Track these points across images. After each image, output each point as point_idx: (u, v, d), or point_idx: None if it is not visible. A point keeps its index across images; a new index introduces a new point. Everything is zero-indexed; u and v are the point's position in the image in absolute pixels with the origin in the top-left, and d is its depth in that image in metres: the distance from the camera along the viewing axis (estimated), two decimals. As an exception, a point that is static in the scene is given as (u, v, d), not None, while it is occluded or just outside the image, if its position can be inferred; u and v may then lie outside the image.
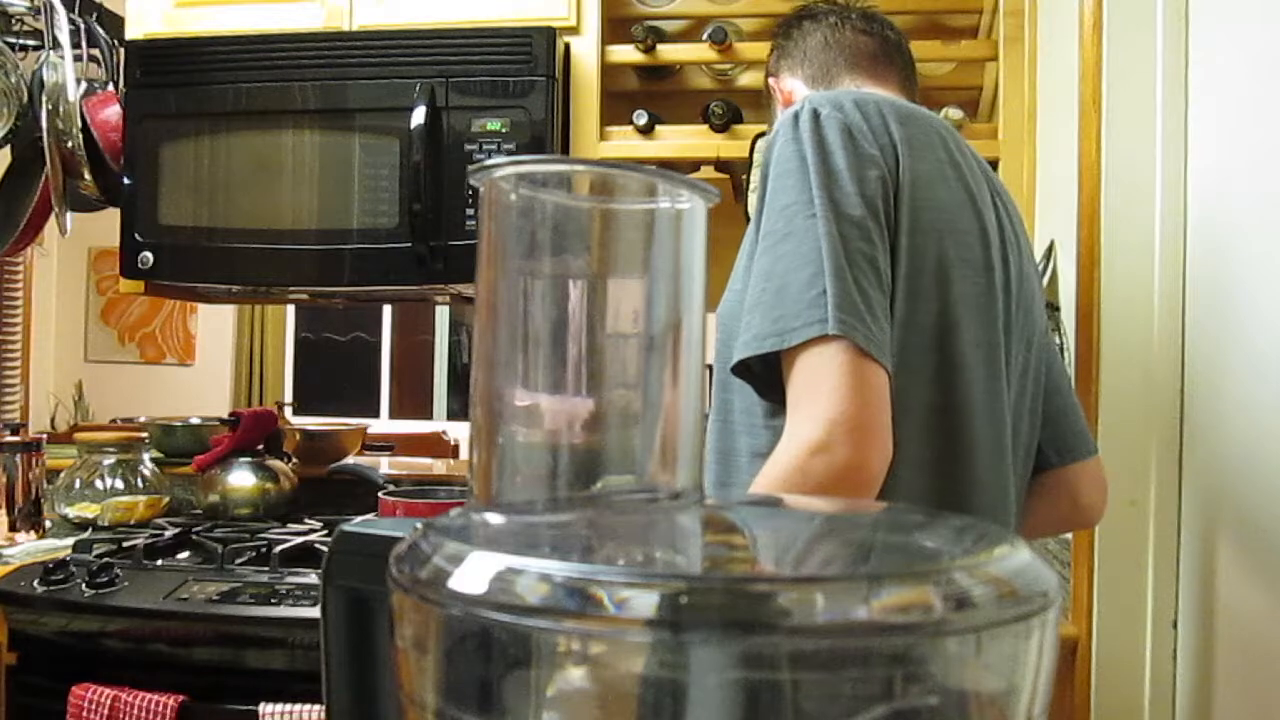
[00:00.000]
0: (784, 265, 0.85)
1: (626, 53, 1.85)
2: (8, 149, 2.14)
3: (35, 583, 1.55)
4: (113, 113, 1.98)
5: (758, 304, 0.85)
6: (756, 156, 1.76)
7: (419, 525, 0.33)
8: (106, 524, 1.88)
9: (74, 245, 4.52)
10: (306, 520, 1.94)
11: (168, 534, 1.79)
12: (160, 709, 1.43)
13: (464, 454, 4.30)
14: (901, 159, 0.89)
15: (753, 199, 0.94)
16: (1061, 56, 1.62)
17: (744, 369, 0.88)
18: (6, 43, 2.10)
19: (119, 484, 1.95)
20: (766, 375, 0.87)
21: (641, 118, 1.80)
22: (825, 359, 0.81)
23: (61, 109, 1.98)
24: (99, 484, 1.94)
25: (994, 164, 1.87)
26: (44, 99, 1.99)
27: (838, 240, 0.84)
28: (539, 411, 0.35)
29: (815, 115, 0.89)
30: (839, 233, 0.84)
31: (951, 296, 0.90)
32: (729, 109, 1.80)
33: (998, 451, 0.94)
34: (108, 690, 1.46)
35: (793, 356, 0.83)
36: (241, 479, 1.98)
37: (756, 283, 0.86)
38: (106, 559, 1.60)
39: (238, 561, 1.65)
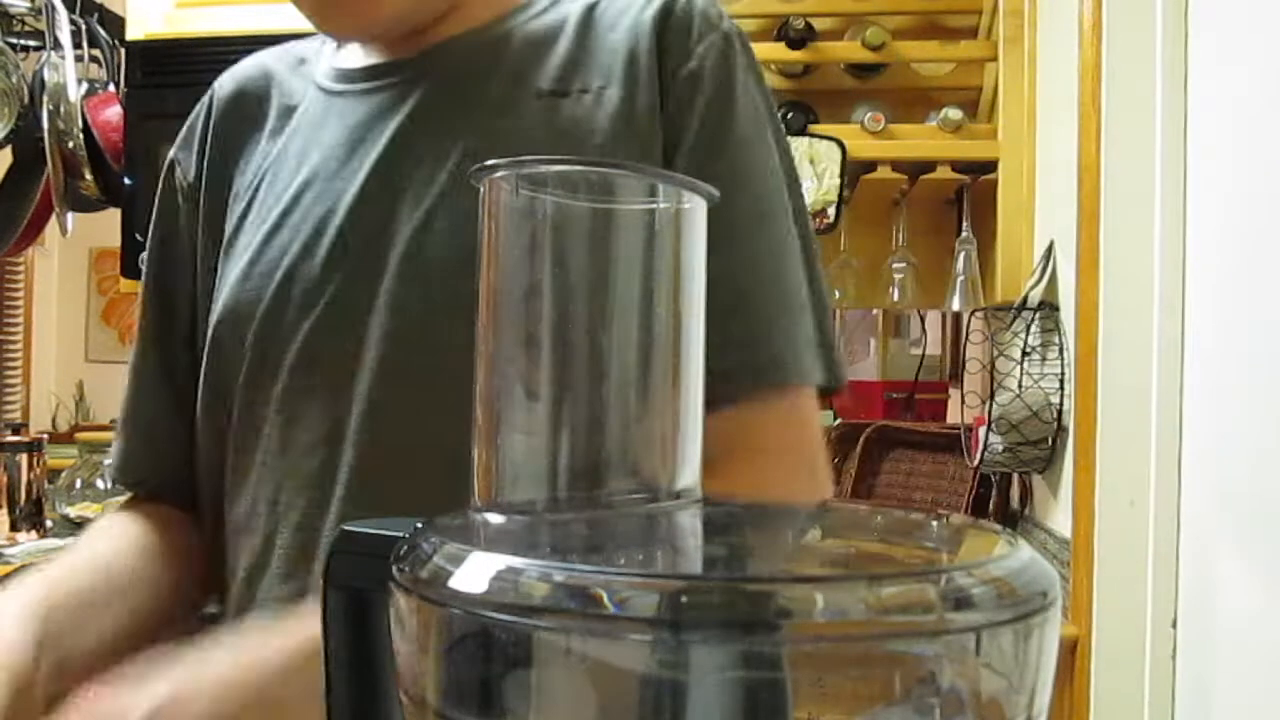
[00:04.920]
0: None
1: (627, 53, 1.85)
2: (9, 149, 2.14)
3: (36, 583, 1.55)
4: (113, 113, 1.98)
5: None
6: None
7: (419, 525, 0.33)
8: (107, 524, 1.88)
9: (75, 245, 4.51)
10: (307, 520, 1.94)
11: (168, 534, 1.79)
12: (161, 709, 1.43)
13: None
14: None
15: None
16: (1061, 57, 1.62)
17: None
18: (7, 43, 2.10)
19: (119, 484, 1.95)
20: None
21: (642, 118, 1.80)
22: None
23: (62, 109, 1.98)
24: (100, 484, 1.94)
25: (993, 164, 1.87)
26: (45, 99, 1.99)
27: None
28: (539, 411, 0.35)
29: None
30: None
31: None
32: (729, 109, 1.80)
33: None
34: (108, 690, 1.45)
35: None
36: (242, 479, 1.98)
37: None
38: (107, 559, 1.60)
39: (238, 561, 1.65)
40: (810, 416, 0.68)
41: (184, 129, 0.81)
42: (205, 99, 0.81)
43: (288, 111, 0.77)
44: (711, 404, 0.59)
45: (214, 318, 0.72)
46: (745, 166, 0.68)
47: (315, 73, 0.77)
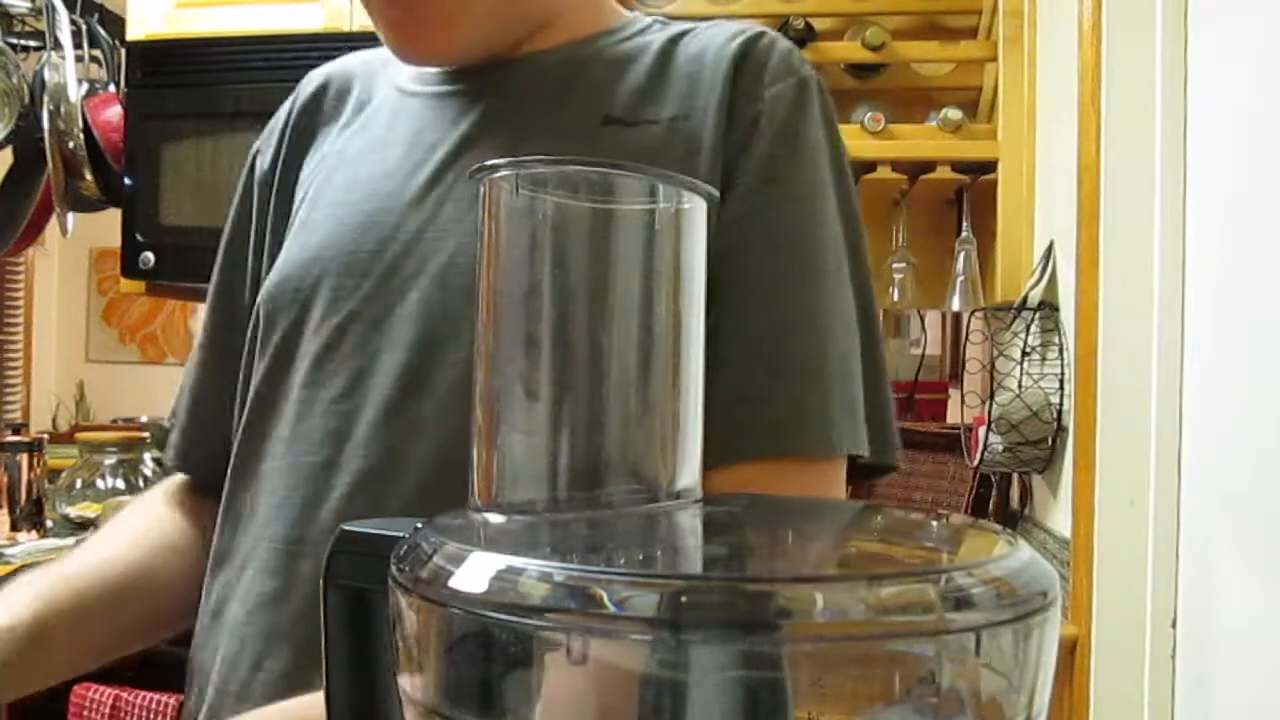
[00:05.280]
0: None
1: (627, 53, 1.85)
2: (9, 149, 2.14)
3: (36, 583, 1.55)
4: (114, 113, 1.98)
5: None
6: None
7: (419, 525, 0.33)
8: (107, 524, 1.89)
9: (75, 245, 4.51)
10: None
11: (168, 534, 1.79)
12: (160, 709, 1.43)
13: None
14: None
15: None
16: (1061, 57, 1.62)
17: None
18: (8, 43, 2.10)
19: (120, 484, 1.95)
20: None
21: (642, 118, 1.80)
22: None
23: (63, 109, 1.98)
24: (100, 484, 1.94)
25: (993, 164, 1.87)
26: (45, 100, 2.00)
27: None
28: (539, 411, 0.36)
29: None
30: None
31: None
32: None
33: None
34: (108, 690, 1.46)
35: None
36: (242, 479, 1.98)
37: None
38: (107, 559, 1.60)
39: (238, 561, 1.65)
40: (825, 489, 0.63)
41: (270, 122, 0.81)
42: (293, 94, 0.81)
43: (362, 108, 0.76)
44: (729, 456, 0.57)
45: (256, 305, 0.72)
46: (798, 220, 0.64)
47: (397, 74, 0.77)
